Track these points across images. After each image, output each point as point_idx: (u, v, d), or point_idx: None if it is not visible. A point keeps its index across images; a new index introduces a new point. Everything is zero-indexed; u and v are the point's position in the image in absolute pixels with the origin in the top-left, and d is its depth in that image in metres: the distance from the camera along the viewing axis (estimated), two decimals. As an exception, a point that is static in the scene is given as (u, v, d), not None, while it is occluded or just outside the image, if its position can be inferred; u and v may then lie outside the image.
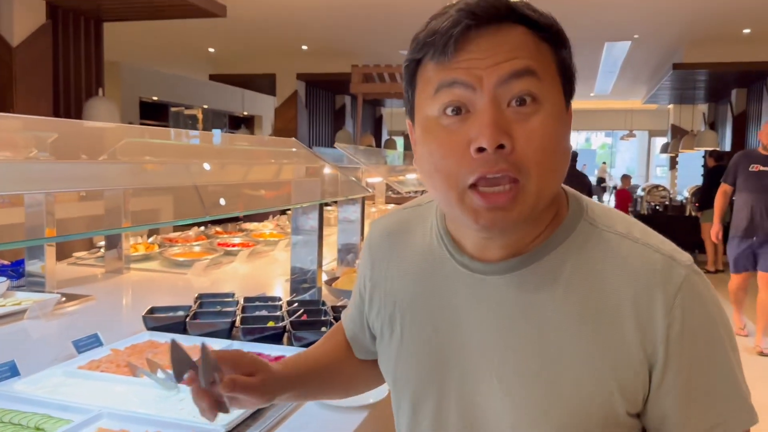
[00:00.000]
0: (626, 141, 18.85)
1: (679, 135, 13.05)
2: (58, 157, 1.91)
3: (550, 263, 0.77)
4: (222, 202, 2.23)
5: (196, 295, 2.09)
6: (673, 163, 14.01)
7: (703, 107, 13.12)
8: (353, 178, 2.77)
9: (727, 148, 10.84)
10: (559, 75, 0.73)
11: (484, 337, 0.79)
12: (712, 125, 12.10)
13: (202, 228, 4.11)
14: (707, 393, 0.74)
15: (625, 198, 10.08)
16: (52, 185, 1.60)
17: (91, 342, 1.67)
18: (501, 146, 0.68)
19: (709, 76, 9.80)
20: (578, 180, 8.49)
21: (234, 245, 3.51)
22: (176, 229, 4.30)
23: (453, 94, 0.70)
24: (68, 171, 1.52)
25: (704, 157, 10.15)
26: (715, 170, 8.57)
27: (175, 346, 0.79)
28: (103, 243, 3.09)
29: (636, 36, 8.74)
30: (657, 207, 9.96)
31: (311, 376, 0.98)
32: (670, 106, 14.40)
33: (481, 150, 0.68)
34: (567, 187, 0.83)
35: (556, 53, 0.73)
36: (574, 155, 9.70)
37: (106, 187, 1.97)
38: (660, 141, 18.21)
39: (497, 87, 0.69)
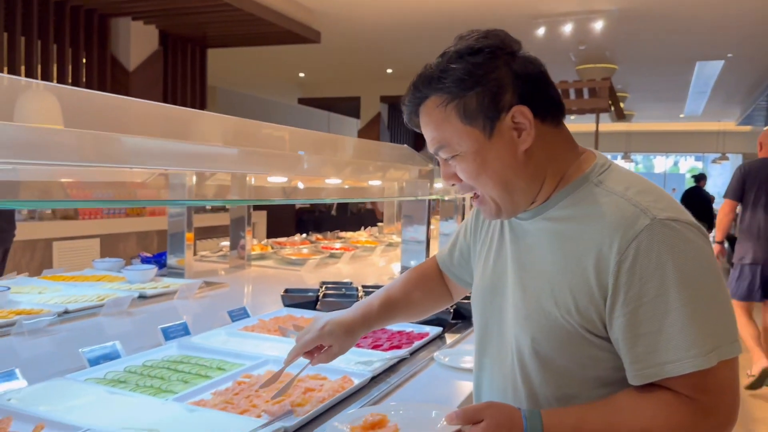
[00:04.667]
0: (718, 164, 18.22)
1: (774, 157, 12.55)
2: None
3: (555, 213, 1.02)
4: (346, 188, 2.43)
5: (318, 283, 2.33)
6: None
7: (801, 128, 12.59)
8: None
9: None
10: (466, 119, 0.98)
11: (513, 263, 1.07)
12: (812, 147, 11.58)
13: (305, 235, 4.43)
14: (654, 333, 0.87)
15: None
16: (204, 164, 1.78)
17: (241, 314, 1.93)
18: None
19: (808, 95, 9.48)
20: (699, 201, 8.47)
21: (337, 249, 3.77)
22: (282, 234, 4.63)
23: None
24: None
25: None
26: None
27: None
28: (225, 243, 3.41)
29: (729, 55, 8.60)
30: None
31: (395, 309, 1.30)
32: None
33: None
34: (600, 155, 1.05)
35: (457, 105, 0.98)
36: (701, 177, 9.64)
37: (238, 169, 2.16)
38: (754, 164, 17.44)
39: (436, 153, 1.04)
